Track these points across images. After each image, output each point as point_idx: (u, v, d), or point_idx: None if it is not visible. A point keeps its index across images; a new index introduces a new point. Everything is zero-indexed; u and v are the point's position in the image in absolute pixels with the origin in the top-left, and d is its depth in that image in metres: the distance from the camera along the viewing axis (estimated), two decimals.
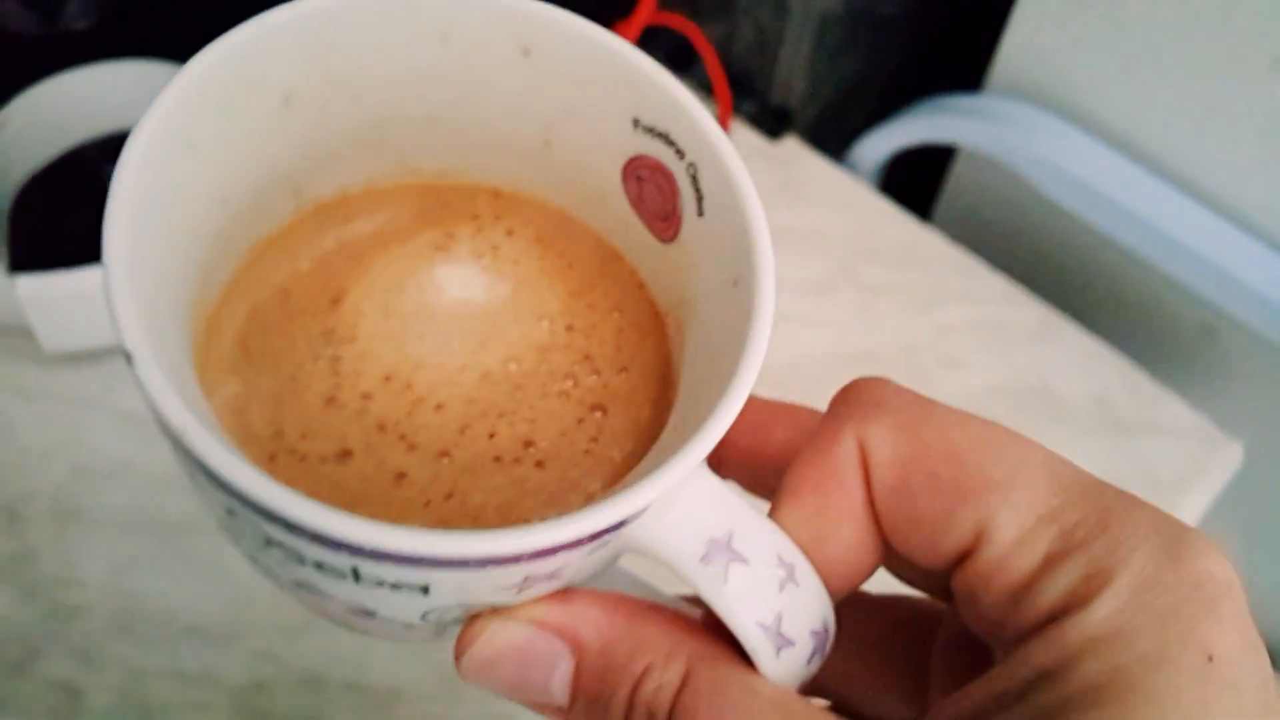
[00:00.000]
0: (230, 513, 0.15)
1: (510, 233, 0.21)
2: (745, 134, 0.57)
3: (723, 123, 0.56)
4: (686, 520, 0.16)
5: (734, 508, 0.17)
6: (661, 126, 0.19)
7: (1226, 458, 0.46)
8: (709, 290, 0.19)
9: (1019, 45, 0.49)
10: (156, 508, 0.41)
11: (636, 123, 0.19)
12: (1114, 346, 0.49)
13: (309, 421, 0.19)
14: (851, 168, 0.57)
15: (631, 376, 0.20)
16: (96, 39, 0.46)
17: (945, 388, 0.48)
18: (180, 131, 0.17)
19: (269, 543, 0.15)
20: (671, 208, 0.19)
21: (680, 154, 0.19)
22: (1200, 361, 0.50)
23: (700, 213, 0.19)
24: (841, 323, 0.50)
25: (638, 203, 0.20)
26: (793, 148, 0.56)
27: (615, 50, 0.18)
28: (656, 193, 0.20)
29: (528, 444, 0.19)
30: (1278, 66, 0.39)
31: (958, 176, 0.57)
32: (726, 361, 0.17)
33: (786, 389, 0.23)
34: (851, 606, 0.19)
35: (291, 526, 0.14)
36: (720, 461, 0.20)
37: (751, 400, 0.18)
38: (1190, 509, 0.45)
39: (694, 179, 0.19)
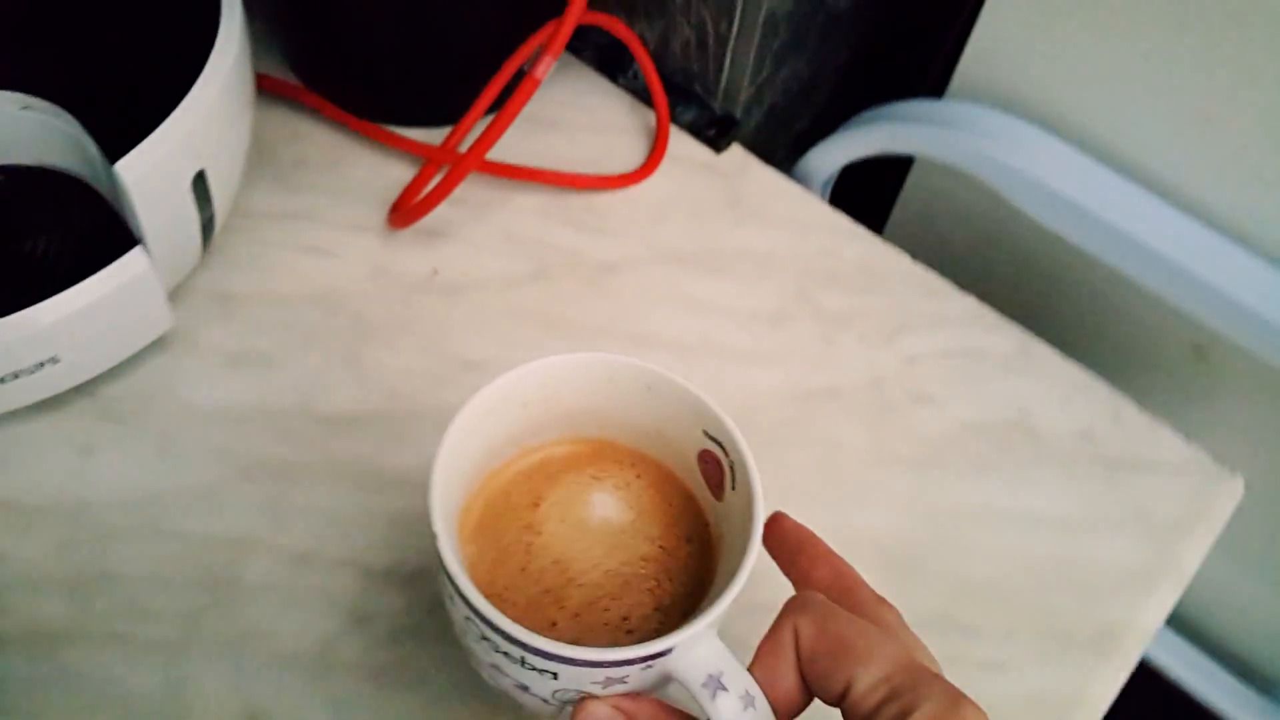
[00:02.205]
0: (468, 619, 0.28)
1: (638, 476, 0.34)
2: (687, 145, 0.51)
3: (660, 134, 0.51)
4: (697, 661, 0.28)
5: (726, 659, 0.28)
6: (717, 437, 0.32)
7: (1227, 494, 0.42)
8: (733, 529, 0.31)
9: (985, 47, 0.45)
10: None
11: (705, 432, 0.32)
12: (1097, 373, 0.45)
13: (509, 581, 0.32)
14: (801, 180, 0.52)
15: (690, 583, 0.32)
16: None
17: (918, 425, 0.43)
18: (476, 419, 0.31)
19: (484, 638, 0.28)
20: (720, 481, 0.32)
21: (726, 454, 0.31)
22: (1192, 387, 0.46)
23: (733, 487, 0.31)
24: (800, 357, 0.45)
25: (704, 475, 0.33)
26: (738, 158, 0.51)
27: (695, 394, 0.32)
28: (714, 471, 0.32)
29: (624, 618, 0.32)
30: (1266, 73, 0.35)
31: (915, 186, 0.52)
32: (732, 571, 0.29)
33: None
34: None
35: (504, 634, 0.27)
36: (785, 565, 0.32)
37: (818, 545, 0.31)
38: (1190, 553, 0.41)
39: (731, 469, 0.31)
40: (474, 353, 0.44)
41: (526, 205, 0.49)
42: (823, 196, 0.52)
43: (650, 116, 0.52)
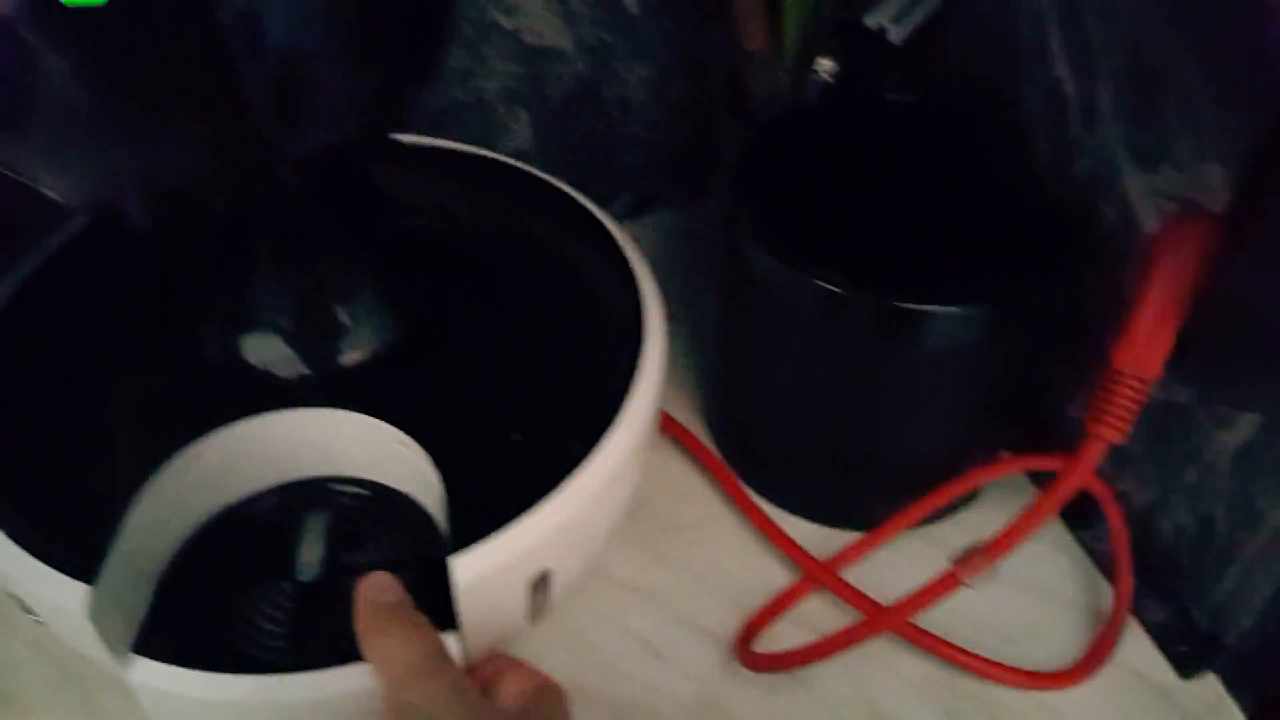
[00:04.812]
0: None
1: None
2: (1144, 652, 0.39)
3: (1111, 629, 0.39)
4: None
5: None
6: None
7: None
8: None
9: None
10: None
11: None
12: None
13: None
14: None
15: None
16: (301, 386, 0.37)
17: None
18: None
19: None
20: None
21: None
22: None
23: None
24: None
25: None
26: (1210, 695, 0.38)
27: None
28: None
29: None
30: None
31: None
32: None
33: None
34: None
35: None
36: None
37: None
38: None
39: None
40: None
41: (904, 671, 0.39)
42: None
43: (1107, 597, 0.40)
